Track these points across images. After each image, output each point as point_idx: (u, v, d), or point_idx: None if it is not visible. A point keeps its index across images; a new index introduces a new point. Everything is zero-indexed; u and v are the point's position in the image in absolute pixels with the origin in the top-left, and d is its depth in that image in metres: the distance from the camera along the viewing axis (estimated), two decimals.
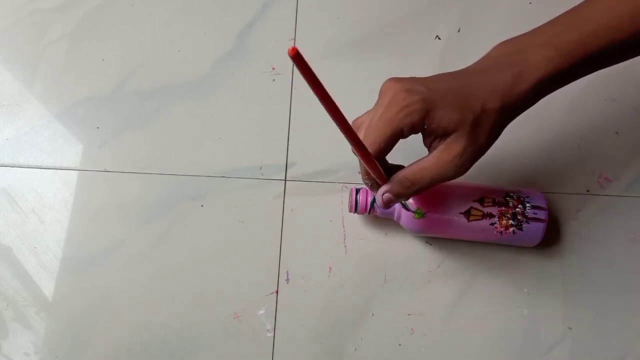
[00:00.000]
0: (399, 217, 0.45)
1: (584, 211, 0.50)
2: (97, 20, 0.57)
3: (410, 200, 0.44)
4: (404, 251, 0.49)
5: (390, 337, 0.47)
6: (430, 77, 0.37)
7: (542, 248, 0.48)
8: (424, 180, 0.37)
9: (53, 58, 0.55)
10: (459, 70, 0.38)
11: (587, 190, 0.51)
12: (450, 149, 0.35)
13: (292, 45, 0.26)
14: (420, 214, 0.44)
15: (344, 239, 0.49)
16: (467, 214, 0.44)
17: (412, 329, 0.47)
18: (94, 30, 0.56)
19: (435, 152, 0.36)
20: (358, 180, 0.51)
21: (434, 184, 0.37)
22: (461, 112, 0.35)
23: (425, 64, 0.55)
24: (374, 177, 0.38)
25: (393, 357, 0.46)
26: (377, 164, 0.36)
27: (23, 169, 0.52)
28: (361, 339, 0.47)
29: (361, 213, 0.46)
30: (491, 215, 0.44)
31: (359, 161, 0.38)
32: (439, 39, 0.56)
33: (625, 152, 0.52)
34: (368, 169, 0.37)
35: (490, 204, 0.44)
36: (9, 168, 0.52)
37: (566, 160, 0.52)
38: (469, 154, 0.35)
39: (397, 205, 0.45)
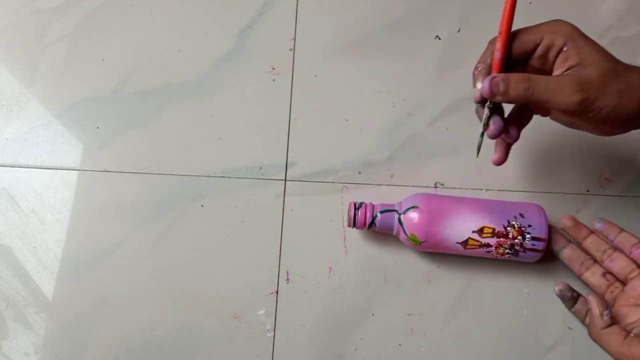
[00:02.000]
0: (398, 233, 0.45)
1: (584, 211, 0.50)
2: (97, 20, 0.57)
3: (410, 216, 0.44)
4: (404, 251, 0.49)
5: (390, 337, 0.47)
6: None
7: None
8: (537, 84, 0.35)
9: (53, 58, 0.55)
10: None
11: (587, 190, 0.51)
12: (577, 74, 0.34)
13: None
14: (417, 241, 0.44)
15: (344, 239, 0.49)
16: (465, 243, 0.44)
17: (412, 329, 0.47)
18: (94, 30, 0.56)
19: (564, 73, 0.35)
20: (358, 180, 0.51)
21: (544, 96, 0.35)
22: (605, 57, 0.34)
23: (425, 64, 0.55)
24: (496, 54, 0.36)
25: (393, 357, 0.46)
26: (505, 45, 0.36)
27: (23, 169, 0.52)
28: (361, 339, 0.47)
29: (360, 228, 0.46)
30: (488, 245, 0.44)
31: (488, 44, 0.38)
32: (439, 39, 0.56)
33: (625, 152, 0.52)
34: (498, 40, 0.36)
35: (490, 234, 0.44)
36: (9, 168, 0.52)
37: (566, 160, 0.52)
38: (592, 87, 0.34)
39: (396, 223, 0.45)
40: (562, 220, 0.46)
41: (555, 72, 0.36)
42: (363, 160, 0.51)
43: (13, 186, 0.51)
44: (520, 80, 0.35)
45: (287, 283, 0.48)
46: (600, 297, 0.41)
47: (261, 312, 0.47)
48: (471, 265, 0.48)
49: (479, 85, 0.37)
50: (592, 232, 0.46)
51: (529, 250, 0.44)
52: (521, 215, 0.44)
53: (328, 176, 0.51)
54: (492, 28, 0.56)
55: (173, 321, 0.47)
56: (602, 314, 0.39)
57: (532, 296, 0.48)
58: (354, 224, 0.46)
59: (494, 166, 0.51)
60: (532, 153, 0.52)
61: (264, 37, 0.56)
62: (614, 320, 0.39)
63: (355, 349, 0.46)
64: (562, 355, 0.46)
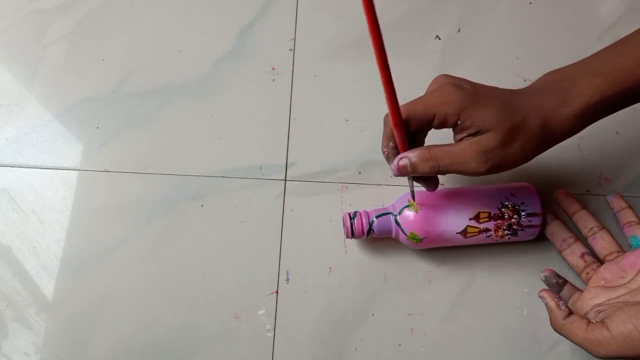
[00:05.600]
0: (397, 235, 0.45)
1: None
2: (97, 20, 0.57)
3: (406, 216, 0.44)
4: (404, 251, 0.49)
5: (390, 337, 0.47)
6: (481, 83, 0.38)
7: (542, 248, 0.48)
8: (443, 160, 0.36)
9: (53, 58, 0.55)
10: (508, 89, 0.38)
11: (587, 190, 0.51)
12: (479, 143, 0.35)
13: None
14: (417, 239, 0.44)
15: (344, 239, 0.49)
16: (464, 232, 0.44)
17: (412, 329, 0.47)
18: (94, 30, 0.56)
19: (464, 141, 0.36)
20: (358, 180, 0.51)
21: (451, 169, 0.37)
22: (501, 117, 0.35)
23: (425, 64, 0.55)
24: (397, 141, 0.38)
25: (393, 357, 0.46)
26: (402, 128, 0.36)
27: (23, 169, 0.52)
28: (361, 339, 0.47)
29: (359, 237, 0.46)
30: (487, 230, 0.44)
31: (384, 124, 0.38)
32: (439, 39, 0.56)
33: (625, 152, 0.52)
34: (394, 131, 0.37)
35: (486, 219, 0.44)
36: (9, 168, 0.52)
37: (566, 160, 0.52)
38: (496, 154, 0.35)
39: (394, 225, 0.45)
40: (556, 194, 0.48)
41: (457, 137, 0.37)
42: (363, 160, 0.51)
43: (13, 186, 0.51)
44: (425, 160, 0.37)
45: (287, 283, 0.48)
46: (550, 290, 0.42)
47: (261, 312, 0.47)
48: (471, 265, 0.48)
49: (392, 165, 0.39)
50: (583, 207, 0.47)
51: (527, 227, 0.45)
52: (512, 194, 0.45)
53: (328, 176, 0.51)
54: (492, 28, 0.57)
55: (173, 321, 0.47)
56: (558, 305, 0.39)
57: (532, 296, 0.48)
58: (352, 234, 0.45)
59: None
60: None
61: (264, 37, 0.56)
62: (571, 310, 0.40)
63: (355, 349, 0.46)
64: (562, 355, 0.46)
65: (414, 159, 0.37)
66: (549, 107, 0.36)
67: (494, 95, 0.37)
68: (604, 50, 0.38)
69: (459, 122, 0.36)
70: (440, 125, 0.37)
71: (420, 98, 0.37)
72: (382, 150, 0.40)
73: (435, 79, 0.39)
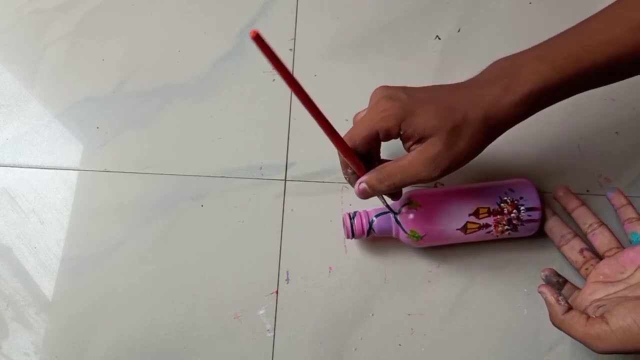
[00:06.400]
0: (397, 233, 0.45)
1: None
2: (97, 20, 0.57)
3: (406, 214, 0.44)
4: (404, 251, 0.49)
5: (390, 337, 0.47)
6: (419, 87, 0.38)
7: (542, 247, 0.48)
8: (396, 177, 0.37)
9: (53, 58, 0.55)
10: (452, 84, 0.39)
11: (587, 190, 0.51)
12: (425, 151, 0.36)
13: (254, 30, 0.27)
14: (418, 237, 0.44)
15: (344, 239, 0.49)
16: (464, 228, 0.44)
17: (412, 329, 0.47)
18: (94, 30, 0.56)
19: (412, 153, 0.37)
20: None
21: (407, 182, 0.37)
22: (440, 119, 0.36)
23: (425, 64, 0.55)
24: (352, 167, 0.39)
25: (393, 357, 0.46)
26: (353, 156, 0.38)
27: (23, 169, 0.52)
28: (361, 339, 0.47)
29: (359, 237, 0.46)
30: (487, 225, 0.44)
31: (338, 152, 0.39)
32: (439, 39, 0.56)
33: (625, 152, 0.52)
34: (347, 161, 0.38)
35: (486, 214, 0.44)
36: (9, 168, 0.52)
37: (566, 160, 0.52)
38: (443, 158, 0.36)
39: (394, 223, 0.45)
40: (555, 190, 0.49)
41: (406, 146, 0.38)
42: None
43: (13, 186, 0.51)
44: (380, 180, 0.38)
45: (287, 283, 0.48)
46: (549, 286, 0.42)
47: (261, 312, 0.47)
48: (471, 265, 0.48)
49: (355, 190, 0.40)
50: (582, 204, 0.48)
51: (527, 222, 0.45)
52: (511, 190, 0.45)
53: (328, 176, 0.51)
54: (492, 28, 0.57)
55: (173, 321, 0.47)
56: (558, 300, 0.40)
57: (532, 296, 0.48)
58: (352, 234, 0.45)
59: (494, 166, 0.51)
60: (532, 153, 0.52)
61: (264, 37, 0.56)
62: (571, 305, 0.40)
63: (355, 349, 0.46)
64: (562, 355, 0.46)
65: (370, 182, 0.38)
66: (491, 98, 0.36)
67: (431, 99, 0.37)
68: (554, 37, 0.38)
69: (402, 133, 0.36)
70: (387, 139, 0.38)
71: (360, 120, 0.38)
72: (344, 176, 0.42)
73: (373, 92, 0.39)
